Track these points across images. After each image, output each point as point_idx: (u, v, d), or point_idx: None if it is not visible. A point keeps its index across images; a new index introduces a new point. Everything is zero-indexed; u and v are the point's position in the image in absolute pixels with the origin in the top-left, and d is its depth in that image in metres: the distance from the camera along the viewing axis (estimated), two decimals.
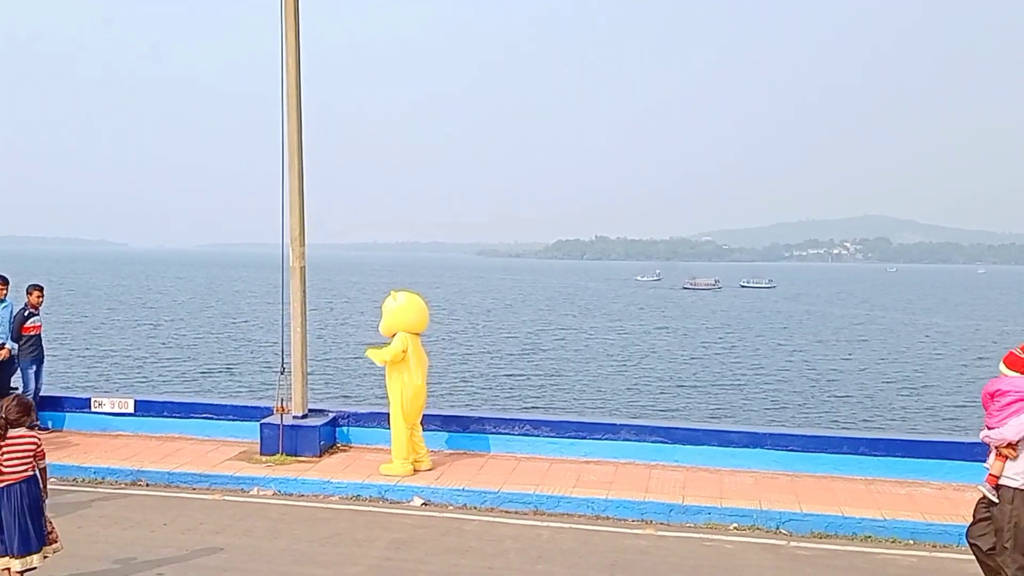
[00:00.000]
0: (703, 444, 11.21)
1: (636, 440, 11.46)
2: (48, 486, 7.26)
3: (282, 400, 11.73)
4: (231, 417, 12.65)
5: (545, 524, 9.51)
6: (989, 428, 7.27)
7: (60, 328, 50.40)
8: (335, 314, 71.26)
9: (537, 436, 11.75)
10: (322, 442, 11.74)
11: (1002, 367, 7.34)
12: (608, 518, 9.74)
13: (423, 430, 11.43)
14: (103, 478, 10.98)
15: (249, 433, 12.23)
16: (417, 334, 11.17)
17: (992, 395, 7.31)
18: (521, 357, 44.60)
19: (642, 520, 9.62)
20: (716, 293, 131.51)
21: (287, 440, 11.56)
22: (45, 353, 13.36)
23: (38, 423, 12.97)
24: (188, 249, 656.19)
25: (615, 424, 11.79)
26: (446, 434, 11.99)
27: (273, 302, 65.50)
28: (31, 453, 7.08)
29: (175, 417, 12.83)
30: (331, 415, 12.29)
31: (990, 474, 7.28)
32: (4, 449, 6.99)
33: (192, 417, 12.77)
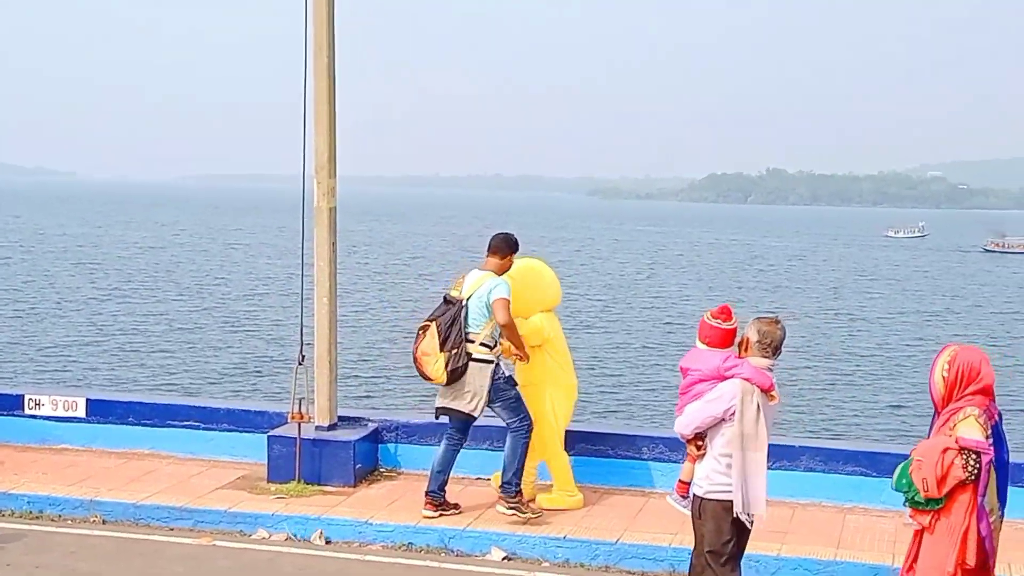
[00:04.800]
0: None
1: (824, 470, 11.38)
2: None
3: (300, 403, 11.85)
4: (226, 426, 12.84)
5: None
6: (677, 414, 8.09)
7: None
8: (384, 280, 71.70)
9: (676, 462, 11.72)
10: (358, 465, 11.87)
11: (697, 339, 8.17)
12: None
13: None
14: (41, 511, 11.23)
15: (252, 450, 12.41)
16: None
17: (683, 374, 8.15)
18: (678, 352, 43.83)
19: None
20: None
21: (307, 461, 11.70)
22: None
23: None
24: (165, 182, 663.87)
25: (793, 447, 11.70)
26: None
27: (291, 264, 66.12)
28: None
29: (145, 425, 13.05)
30: (371, 426, 12.43)
31: (679, 480, 8.17)
32: None
33: (170, 425, 12.97)
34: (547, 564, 10.13)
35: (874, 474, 11.05)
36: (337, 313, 12.36)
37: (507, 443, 10.77)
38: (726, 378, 7.76)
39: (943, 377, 7.06)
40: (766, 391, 7.76)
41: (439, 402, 10.80)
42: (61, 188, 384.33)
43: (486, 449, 11.83)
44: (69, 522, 11.02)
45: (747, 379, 7.69)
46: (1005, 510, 7.22)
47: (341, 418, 12.39)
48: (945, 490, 6.83)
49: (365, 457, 12.09)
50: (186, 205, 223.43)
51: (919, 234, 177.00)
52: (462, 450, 11.34)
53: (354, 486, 11.71)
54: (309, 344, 12.12)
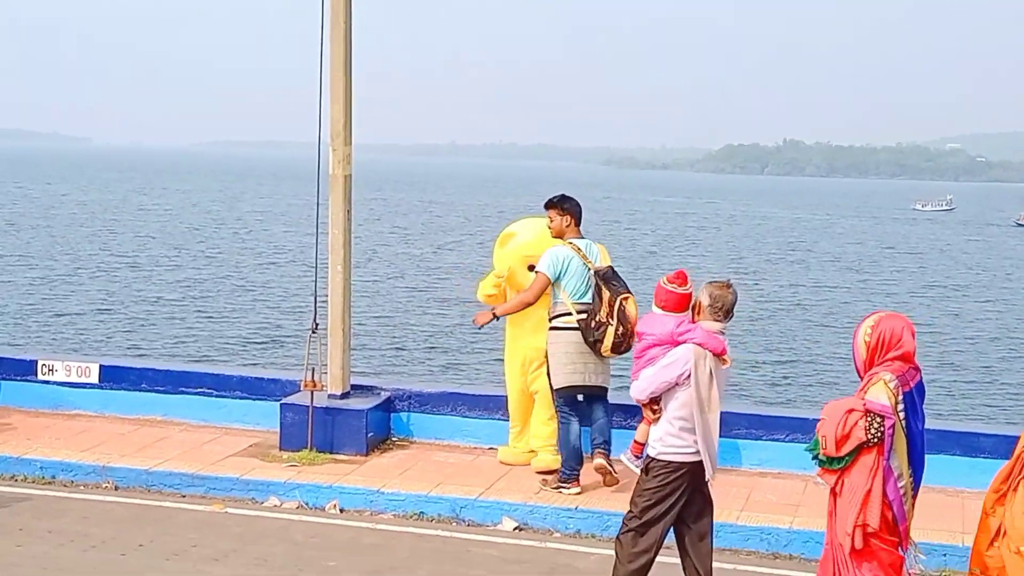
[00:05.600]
0: (937, 452, 11.04)
1: None
2: None
3: (313, 371, 11.87)
4: (239, 394, 12.91)
5: None
6: (632, 378, 8.32)
7: None
8: (400, 250, 71.58)
9: None
10: (370, 433, 11.91)
11: (653, 304, 8.45)
12: (791, 557, 9.78)
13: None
14: (54, 476, 11.30)
15: (264, 418, 12.47)
16: None
17: (638, 338, 8.48)
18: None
19: None
20: None
21: (319, 429, 11.74)
22: None
23: None
24: (180, 148, 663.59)
25: (808, 419, 11.67)
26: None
27: (307, 232, 66.00)
28: None
29: (158, 391, 13.10)
30: (384, 395, 12.47)
31: (635, 441, 8.54)
32: None
33: (183, 392, 13.03)
34: (558, 535, 10.15)
35: None
36: (351, 282, 12.36)
37: (564, 428, 10.81)
38: (679, 343, 7.89)
39: (865, 342, 7.18)
40: (718, 355, 7.88)
41: (600, 379, 10.75)
42: (76, 154, 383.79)
43: (498, 419, 11.89)
44: (82, 488, 11.07)
45: (700, 343, 7.81)
46: (921, 478, 7.31)
47: (354, 387, 12.42)
48: (845, 450, 6.95)
49: (377, 426, 12.11)
50: (202, 172, 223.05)
51: (947, 207, 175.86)
52: (473, 420, 11.44)
53: (366, 455, 11.74)
54: (323, 313, 12.14)
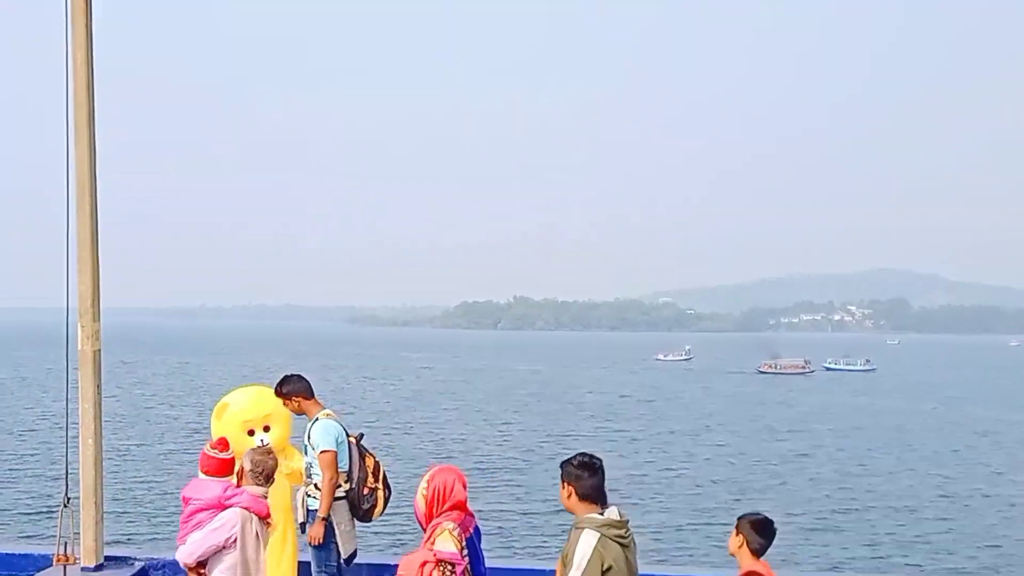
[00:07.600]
0: None
1: None
2: None
3: (66, 545, 11.26)
4: None
5: None
6: (178, 543, 8.26)
7: None
8: (152, 414, 70.12)
9: None
10: None
11: (199, 470, 8.52)
12: None
13: None
14: None
15: None
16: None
17: (184, 503, 8.39)
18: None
19: None
20: (808, 379, 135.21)
21: None
22: None
23: None
24: None
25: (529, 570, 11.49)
26: None
27: (57, 399, 64.15)
28: None
29: None
30: (139, 565, 11.86)
31: None
32: None
33: None
34: None
35: None
36: (103, 453, 11.81)
37: None
38: (227, 507, 7.97)
39: (424, 496, 7.53)
40: (264, 518, 8.03)
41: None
42: None
43: None
44: None
45: (246, 507, 7.93)
46: None
47: (108, 558, 11.81)
48: None
49: None
50: None
51: (686, 357, 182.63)
52: None
53: None
54: (76, 483, 11.56)
